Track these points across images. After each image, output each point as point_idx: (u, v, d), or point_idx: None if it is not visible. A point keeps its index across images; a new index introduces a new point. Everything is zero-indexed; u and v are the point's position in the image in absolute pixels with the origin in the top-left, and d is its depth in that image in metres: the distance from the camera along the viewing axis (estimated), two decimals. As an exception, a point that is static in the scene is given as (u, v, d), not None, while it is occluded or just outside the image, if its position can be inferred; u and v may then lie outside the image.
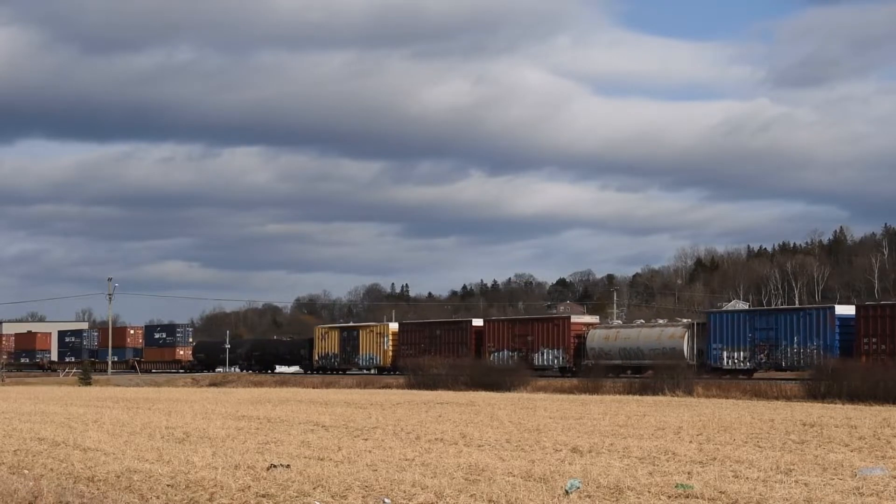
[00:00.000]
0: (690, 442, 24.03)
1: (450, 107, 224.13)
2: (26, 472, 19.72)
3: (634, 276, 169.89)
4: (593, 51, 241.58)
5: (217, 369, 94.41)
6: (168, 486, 17.27)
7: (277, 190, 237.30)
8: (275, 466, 19.07)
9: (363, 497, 15.74)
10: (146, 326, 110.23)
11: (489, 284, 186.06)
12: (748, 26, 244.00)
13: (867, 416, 32.36)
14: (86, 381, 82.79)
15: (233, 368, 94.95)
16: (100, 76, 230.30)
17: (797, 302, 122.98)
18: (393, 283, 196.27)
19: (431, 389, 57.43)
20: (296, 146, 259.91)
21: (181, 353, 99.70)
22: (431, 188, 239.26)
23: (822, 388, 43.93)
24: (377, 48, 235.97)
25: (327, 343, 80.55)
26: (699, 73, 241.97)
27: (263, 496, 16.02)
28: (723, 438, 24.87)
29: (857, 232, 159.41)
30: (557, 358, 64.16)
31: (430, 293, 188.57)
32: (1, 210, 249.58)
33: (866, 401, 40.54)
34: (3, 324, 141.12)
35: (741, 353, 56.03)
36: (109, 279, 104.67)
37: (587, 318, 69.46)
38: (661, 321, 67.54)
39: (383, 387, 63.66)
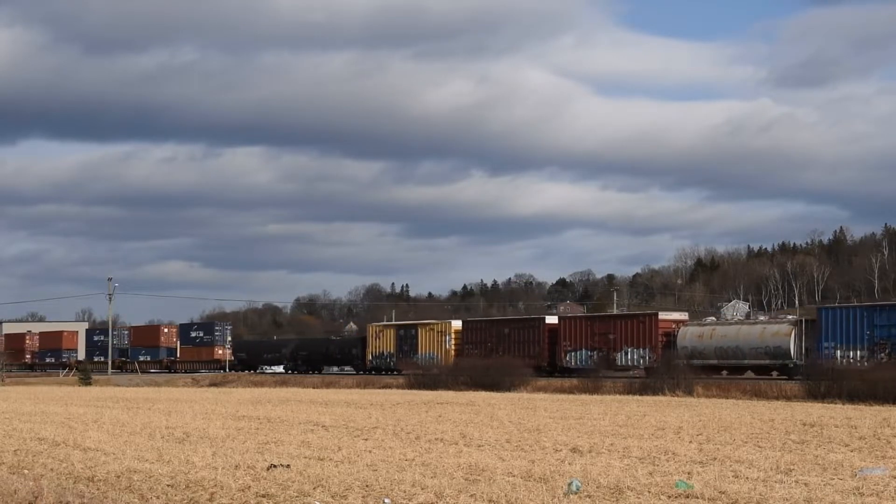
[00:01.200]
0: (690, 442, 24.03)
1: (451, 107, 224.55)
2: (26, 472, 19.72)
3: (634, 276, 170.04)
4: (595, 51, 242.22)
5: (260, 370, 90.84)
6: (168, 486, 17.27)
7: (278, 190, 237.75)
8: (275, 466, 19.07)
9: (363, 497, 15.74)
10: (181, 325, 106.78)
11: (489, 284, 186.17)
12: (750, 26, 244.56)
13: (867, 416, 32.36)
14: (86, 381, 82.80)
15: (276, 369, 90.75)
16: (102, 76, 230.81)
17: (797, 302, 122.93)
18: (393, 283, 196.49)
19: (431, 389, 57.43)
20: (297, 146, 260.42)
21: (220, 352, 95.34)
22: (432, 188, 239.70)
23: (822, 388, 43.92)
24: (379, 48, 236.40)
25: (382, 342, 76.83)
26: (701, 73, 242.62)
27: (263, 496, 16.01)
28: (723, 438, 24.87)
29: (857, 232, 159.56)
30: (643, 357, 59.97)
31: (430, 293, 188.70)
32: (2, 210, 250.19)
33: (866, 401, 40.54)
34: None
35: (858, 351, 51.46)
36: (109, 279, 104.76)
37: (676, 315, 65.10)
38: (762, 317, 64.14)
39: (383, 387, 63.66)
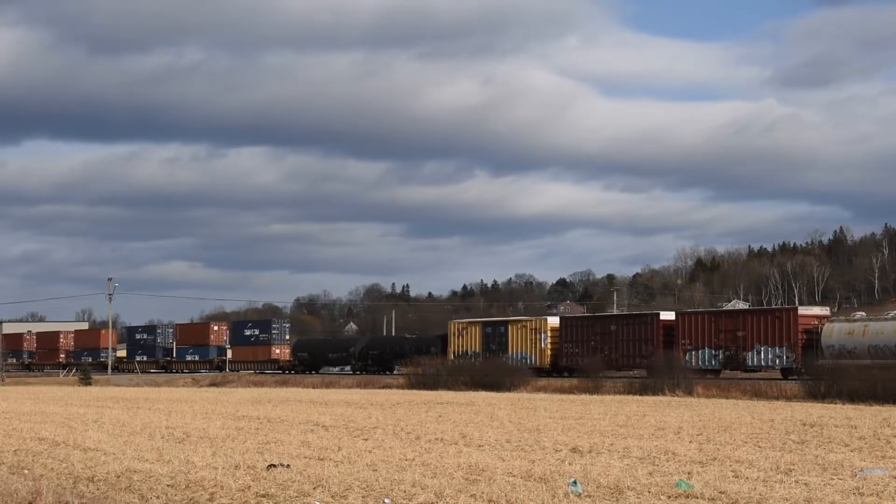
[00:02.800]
0: (690, 442, 24.03)
1: (456, 107, 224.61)
2: (26, 472, 19.72)
3: (634, 276, 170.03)
4: (600, 52, 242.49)
5: (323, 370, 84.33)
6: (168, 486, 17.27)
7: (282, 190, 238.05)
8: (275, 466, 19.08)
9: (363, 497, 15.74)
10: (233, 322, 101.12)
11: (489, 285, 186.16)
12: (756, 27, 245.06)
13: (867, 416, 32.35)
14: (86, 381, 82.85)
15: (341, 370, 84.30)
16: (106, 77, 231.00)
17: (797, 302, 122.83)
18: (393, 284, 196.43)
19: (431, 389, 57.42)
20: (302, 146, 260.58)
21: (277, 351, 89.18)
22: (436, 188, 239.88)
23: (822, 388, 43.91)
24: (385, 49, 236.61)
25: (466, 340, 70.67)
26: (706, 73, 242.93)
27: (263, 496, 16.01)
28: (723, 438, 24.87)
29: (858, 232, 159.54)
30: (780, 357, 54.47)
31: (430, 293, 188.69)
32: (5, 210, 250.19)
33: (866, 401, 40.53)
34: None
35: None
36: (109, 279, 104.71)
37: (817, 311, 59.09)
38: None
39: (383, 387, 63.66)
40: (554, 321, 66.77)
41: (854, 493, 15.52)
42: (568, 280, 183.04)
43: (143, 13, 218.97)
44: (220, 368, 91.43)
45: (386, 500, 15.39)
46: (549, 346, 65.00)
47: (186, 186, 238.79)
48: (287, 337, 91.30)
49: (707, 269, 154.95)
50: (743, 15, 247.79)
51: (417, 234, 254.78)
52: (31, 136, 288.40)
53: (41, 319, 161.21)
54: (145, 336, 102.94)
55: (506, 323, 69.76)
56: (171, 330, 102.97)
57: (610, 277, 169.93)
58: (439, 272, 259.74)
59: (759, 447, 22.66)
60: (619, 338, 61.30)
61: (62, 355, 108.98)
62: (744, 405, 39.73)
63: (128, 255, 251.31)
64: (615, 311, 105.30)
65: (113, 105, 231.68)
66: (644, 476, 17.43)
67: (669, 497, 15.36)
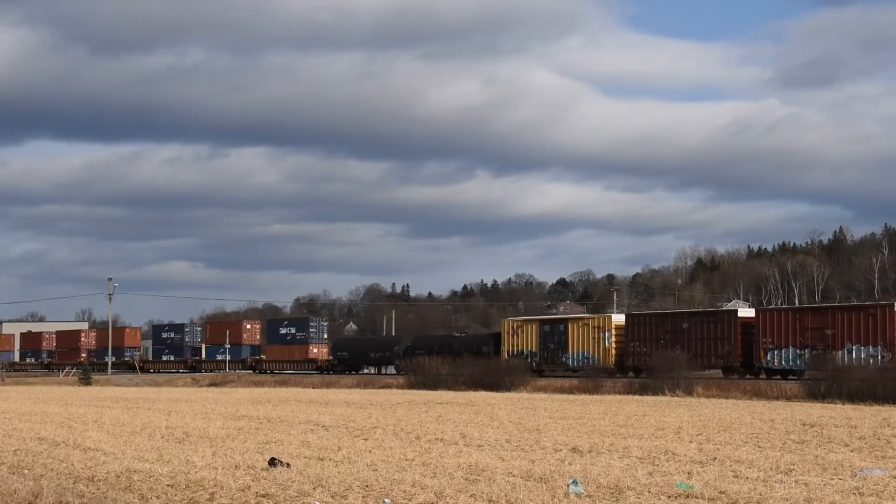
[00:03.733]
0: (690, 442, 24.03)
1: (458, 107, 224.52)
2: (26, 472, 19.72)
3: (634, 276, 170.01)
4: (602, 52, 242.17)
5: (364, 371, 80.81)
6: (168, 486, 17.27)
7: (283, 190, 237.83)
8: (274, 462, 19.08)
9: (363, 497, 15.74)
10: (268, 321, 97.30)
11: (489, 285, 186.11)
12: (759, 27, 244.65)
13: (867, 416, 32.36)
14: (86, 381, 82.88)
15: (383, 370, 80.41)
16: (108, 77, 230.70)
17: (797, 302, 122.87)
18: (393, 283, 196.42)
19: (431, 389, 57.44)
20: (303, 146, 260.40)
21: (315, 350, 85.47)
22: (437, 188, 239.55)
23: (822, 388, 43.93)
24: (387, 49, 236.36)
25: (521, 338, 67.17)
26: (708, 74, 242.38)
27: (263, 496, 16.01)
28: (723, 438, 24.87)
29: (858, 232, 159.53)
30: (875, 357, 50.74)
31: (430, 293, 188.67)
32: (6, 210, 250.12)
33: (866, 401, 40.55)
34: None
35: None
36: (109, 279, 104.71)
37: None
38: None
39: (383, 387, 63.67)
40: (619, 318, 63.78)
41: (854, 493, 15.52)
42: (568, 280, 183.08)
43: (145, 13, 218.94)
44: (254, 368, 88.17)
45: (386, 500, 15.39)
46: (613, 344, 61.70)
47: (187, 186, 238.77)
48: (325, 336, 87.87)
49: (707, 269, 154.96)
50: (745, 15, 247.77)
51: (418, 235, 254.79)
52: (32, 136, 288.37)
53: (41, 319, 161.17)
54: (172, 335, 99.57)
55: (566, 321, 66.73)
56: (199, 328, 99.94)
57: (610, 277, 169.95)
58: (440, 272, 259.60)
59: (759, 447, 22.67)
60: (692, 336, 58.08)
61: (83, 355, 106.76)
62: (744, 405, 39.74)
63: (128, 256, 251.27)
64: (686, 308, 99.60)
65: (114, 105, 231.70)
66: (644, 476, 17.44)
67: (669, 497, 15.36)
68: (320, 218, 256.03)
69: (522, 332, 67.32)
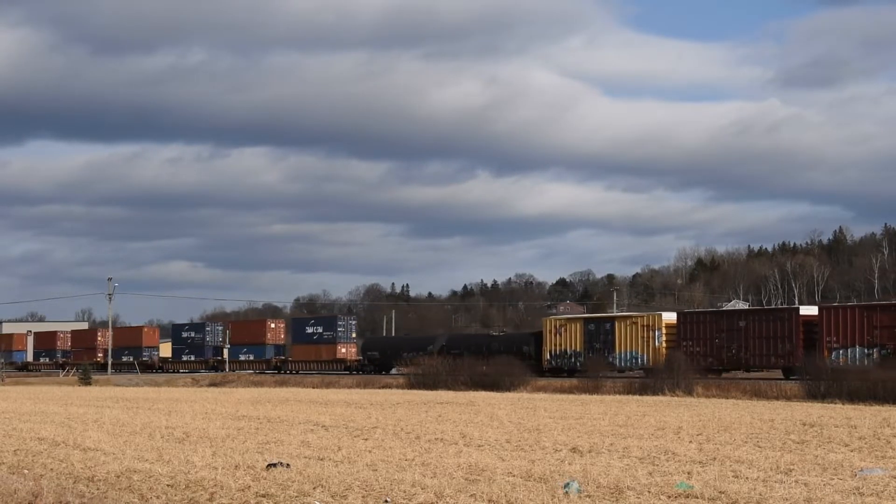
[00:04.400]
0: (690, 442, 24.03)
1: (459, 107, 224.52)
2: (26, 472, 19.72)
3: (634, 276, 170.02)
4: (604, 52, 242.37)
5: (396, 371, 76.44)
6: (168, 486, 17.28)
7: (284, 190, 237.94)
8: (274, 465, 19.07)
9: (363, 497, 15.74)
10: (294, 320, 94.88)
11: (489, 285, 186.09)
12: (760, 27, 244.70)
13: (867, 416, 32.36)
14: (86, 381, 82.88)
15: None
16: (109, 77, 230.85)
17: (797, 302, 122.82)
18: (393, 283, 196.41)
19: (431, 389, 57.43)
20: (304, 146, 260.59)
21: (343, 350, 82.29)
22: (438, 188, 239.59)
23: (822, 388, 43.92)
24: (389, 49, 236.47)
25: (564, 338, 64.32)
26: (710, 74, 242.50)
27: (263, 496, 16.02)
28: (723, 438, 24.88)
29: (858, 232, 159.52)
30: None
31: (430, 293, 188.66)
32: (7, 210, 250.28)
33: (866, 401, 40.55)
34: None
35: None
36: (109, 279, 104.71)
37: None
38: None
39: (383, 387, 63.66)
40: (670, 317, 61.26)
41: (854, 493, 15.52)
42: (568, 280, 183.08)
43: (147, 14, 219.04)
44: (279, 369, 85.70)
45: (387, 500, 15.39)
46: (664, 344, 59.25)
47: (189, 186, 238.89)
48: (353, 335, 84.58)
49: (707, 269, 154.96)
50: (746, 15, 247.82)
51: (419, 235, 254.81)
52: (33, 137, 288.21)
53: (41, 319, 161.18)
54: (192, 334, 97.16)
55: (612, 319, 64.14)
56: (220, 327, 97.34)
57: (610, 277, 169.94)
58: (440, 272, 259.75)
59: (759, 447, 22.67)
60: (749, 335, 55.69)
61: (100, 354, 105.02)
62: (744, 405, 39.74)
63: (129, 256, 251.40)
64: (746, 307, 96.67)
65: (116, 105, 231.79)
66: (644, 476, 17.44)
67: (669, 497, 15.36)
68: (321, 218, 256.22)
69: (566, 331, 64.68)
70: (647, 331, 60.36)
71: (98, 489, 17.26)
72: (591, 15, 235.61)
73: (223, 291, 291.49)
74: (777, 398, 44.56)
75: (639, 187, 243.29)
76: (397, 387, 62.39)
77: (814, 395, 43.66)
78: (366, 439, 25.51)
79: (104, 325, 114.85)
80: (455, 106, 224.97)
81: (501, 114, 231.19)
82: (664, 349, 58.53)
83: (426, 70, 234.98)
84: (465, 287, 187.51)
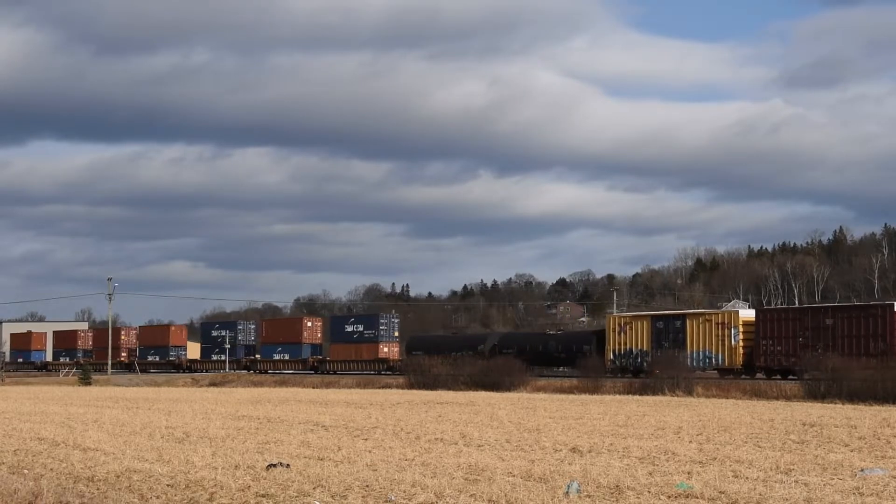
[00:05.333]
0: (690, 442, 24.03)
1: (463, 108, 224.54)
2: (26, 472, 19.72)
3: (634, 276, 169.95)
4: (608, 53, 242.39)
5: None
6: (168, 485, 17.27)
7: (286, 190, 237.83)
8: (274, 466, 19.07)
9: (363, 497, 15.74)
10: (332, 318, 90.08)
11: (489, 285, 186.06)
12: (764, 27, 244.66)
13: (867, 416, 32.37)
14: (85, 381, 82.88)
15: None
16: (113, 77, 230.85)
17: (797, 302, 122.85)
18: (393, 283, 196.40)
19: (431, 389, 57.42)
20: (307, 147, 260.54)
21: (385, 350, 78.50)
22: (440, 189, 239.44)
23: (822, 388, 43.94)
24: (393, 49, 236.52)
25: (630, 336, 61.23)
26: (713, 74, 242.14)
27: (263, 496, 16.01)
28: (723, 438, 24.87)
29: (858, 232, 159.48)
30: None
31: (430, 293, 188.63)
32: (10, 210, 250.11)
33: (866, 401, 40.56)
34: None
35: None
36: (109, 279, 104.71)
37: None
38: None
39: (383, 387, 63.65)
40: (748, 314, 58.10)
41: (854, 493, 15.52)
42: (568, 280, 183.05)
43: (151, 14, 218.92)
44: (315, 369, 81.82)
45: (391, 496, 15.40)
46: (741, 342, 56.02)
47: (191, 187, 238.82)
48: (396, 333, 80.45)
49: (707, 269, 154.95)
50: (750, 16, 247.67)
51: (420, 235, 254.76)
52: (36, 137, 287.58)
53: (41, 319, 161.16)
54: (223, 333, 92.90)
55: (683, 316, 60.73)
56: (253, 326, 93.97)
57: (610, 277, 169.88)
58: (441, 272, 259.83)
59: (759, 447, 22.67)
60: (836, 333, 52.55)
61: (123, 354, 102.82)
62: (744, 405, 39.74)
63: (131, 256, 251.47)
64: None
65: (119, 105, 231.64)
66: (644, 476, 17.44)
67: (669, 497, 15.36)
68: (323, 218, 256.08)
69: (631, 329, 61.69)
70: (723, 328, 57.30)
71: (98, 489, 17.26)
72: (594, 15, 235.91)
73: (224, 291, 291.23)
74: (777, 398, 44.58)
75: (641, 187, 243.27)
76: (397, 387, 62.38)
77: (814, 395, 43.68)
78: (366, 439, 25.51)
79: (104, 324, 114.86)
80: (458, 106, 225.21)
81: (504, 114, 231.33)
82: (741, 348, 55.80)
83: (430, 70, 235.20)
84: (465, 287, 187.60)
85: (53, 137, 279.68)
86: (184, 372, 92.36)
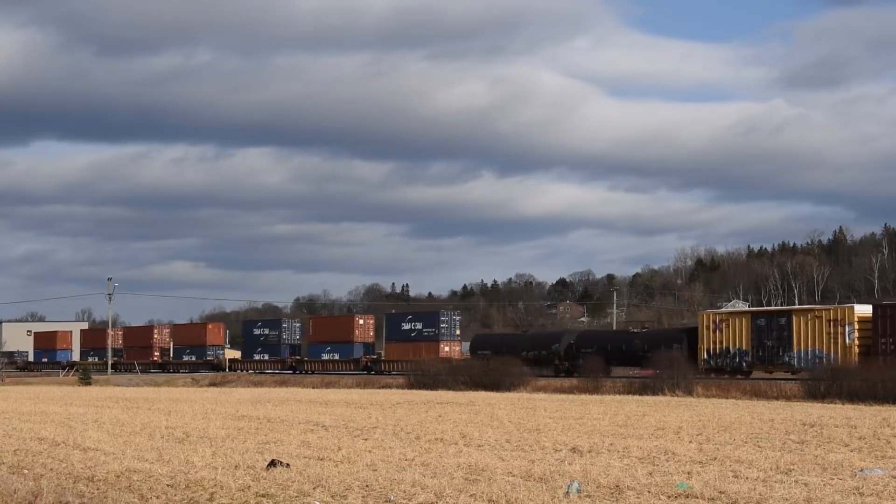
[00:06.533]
0: (690, 442, 24.03)
1: (465, 108, 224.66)
2: (26, 471, 19.72)
3: (634, 276, 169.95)
4: (610, 53, 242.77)
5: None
6: (168, 486, 17.27)
7: (288, 190, 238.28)
8: (274, 464, 19.07)
9: (363, 497, 15.74)
10: (388, 315, 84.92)
11: (489, 284, 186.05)
12: (767, 27, 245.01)
13: (867, 416, 32.37)
14: (86, 381, 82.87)
15: (538, 371, 65.11)
16: (115, 77, 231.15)
17: (797, 302, 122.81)
18: (393, 283, 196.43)
19: (431, 389, 57.42)
20: (309, 147, 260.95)
21: (447, 349, 74.01)
22: (441, 189, 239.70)
23: (822, 388, 43.93)
24: (395, 50, 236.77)
25: (726, 334, 57.33)
26: (716, 74, 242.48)
27: (263, 496, 16.01)
28: (723, 438, 24.87)
29: (858, 232, 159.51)
30: None
31: (430, 293, 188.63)
32: (11, 210, 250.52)
33: (866, 401, 40.56)
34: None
35: None
36: (109, 279, 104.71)
37: None
38: None
39: (383, 387, 63.64)
40: (864, 309, 53.95)
41: (854, 493, 15.52)
42: (567, 280, 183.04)
43: (153, 14, 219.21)
44: (369, 369, 77.72)
45: (391, 496, 15.40)
46: (856, 341, 52.32)
47: (192, 187, 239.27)
48: (457, 332, 76.09)
49: (707, 269, 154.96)
50: (752, 16, 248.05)
51: (422, 235, 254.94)
52: (38, 137, 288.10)
53: (41, 319, 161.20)
54: (266, 331, 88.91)
55: (788, 313, 56.51)
56: (298, 324, 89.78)
57: (610, 277, 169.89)
58: (442, 272, 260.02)
59: (759, 447, 22.67)
60: None
61: (156, 353, 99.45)
62: (744, 405, 39.74)
63: (132, 256, 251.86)
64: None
65: (121, 106, 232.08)
66: (644, 476, 17.44)
67: (669, 497, 15.36)
68: (324, 218, 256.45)
69: (727, 326, 57.60)
70: (835, 326, 53.34)
71: (98, 489, 17.26)
72: (596, 16, 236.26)
73: (225, 291, 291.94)
74: (777, 398, 44.57)
75: (642, 187, 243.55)
76: (397, 387, 62.38)
77: (814, 395, 43.67)
78: (366, 439, 25.51)
79: (104, 324, 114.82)
80: (460, 106, 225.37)
81: (506, 114, 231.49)
82: (856, 347, 51.93)
83: (432, 71, 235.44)
84: (464, 287, 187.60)
85: (55, 137, 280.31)
86: (221, 372, 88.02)
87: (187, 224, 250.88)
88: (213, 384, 76.88)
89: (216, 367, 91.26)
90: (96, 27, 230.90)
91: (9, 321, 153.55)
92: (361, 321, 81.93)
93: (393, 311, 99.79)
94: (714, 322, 58.49)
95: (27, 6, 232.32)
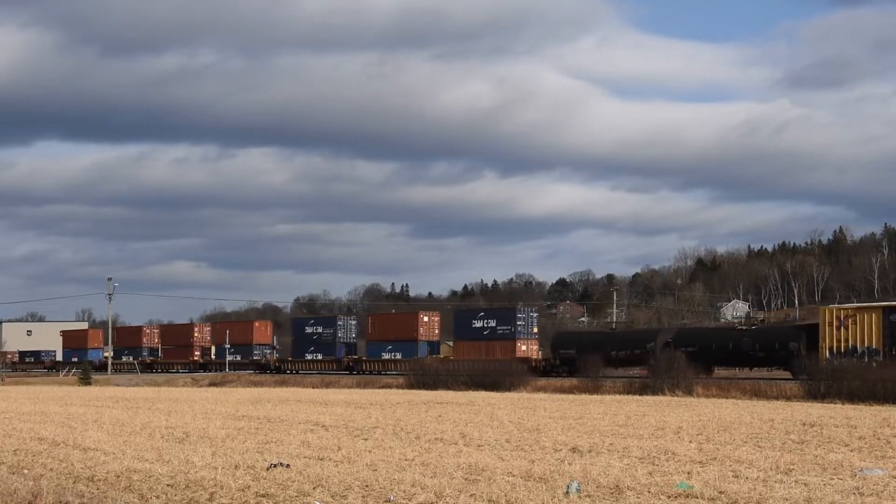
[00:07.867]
0: (690, 442, 24.03)
1: (469, 108, 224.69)
2: (26, 471, 19.72)
3: (634, 276, 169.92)
4: (614, 53, 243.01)
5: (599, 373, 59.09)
6: (168, 485, 17.27)
7: (290, 191, 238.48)
8: (275, 466, 19.07)
9: (363, 497, 15.74)
10: (457, 312, 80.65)
11: (489, 284, 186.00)
12: (772, 28, 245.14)
13: (867, 416, 32.36)
14: (85, 380, 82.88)
15: (627, 371, 63.72)
16: (118, 77, 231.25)
17: (796, 302, 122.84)
18: (393, 283, 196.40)
19: (431, 389, 57.40)
20: (311, 147, 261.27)
21: (523, 348, 68.88)
22: (443, 189, 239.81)
23: (822, 388, 43.92)
24: (399, 50, 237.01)
25: (852, 332, 52.12)
26: (720, 75, 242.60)
27: (263, 496, 16.01)
28: (723, 438, 24.87)
29: (858, 232, 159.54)
30: None
31: (430, 293, 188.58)
32: (14, 210, 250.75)
33: (866, 401, 40.55)
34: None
35: None
36: (109, 279, 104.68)
37: None
38: None
39: (383, 387, 63.62)
40: None
41: (854, 493, 15.52)
42: (567, 280, 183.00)
43: (156, 14, 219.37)
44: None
45: (391, 496, 15.40)
46: None
47: (195, 187, 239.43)
48: (534, 329, 71.06)
49: (707, 269, 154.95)
50: (756, 17, 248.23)
51: (423, 235, 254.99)
52: (41, 137, 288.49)
53: (41, 319, 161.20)
54: (319, 329, 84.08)
55: None
56: (353, 322, 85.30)
57: (610, 277, 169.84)
58: (443, 272, 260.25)
59: (759, 447, 22.66)
60: None
61: (196, 353, 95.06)
62: (744, 405, 39.74)
63: (133, 256, 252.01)
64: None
65: (123, 106, 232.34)
66: (644, 476, 17.43)
67: (669, 497, 15.35)
68: (326, 218, 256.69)
69: (853, 323, 52.36)
70: None
71: (98, 489, 17.26)
72: (600, 16, 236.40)
73: (226, 291, 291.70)
74: (777, 398, 44.57)
75: (644, 188, 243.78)
76: (397, 387, 62.37)
77: (814, 395, 43.66)
78: (366, 439, 25.51)
79: (104, 324, 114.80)
80: (464, 107, 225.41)
81: (510, 115, 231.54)
82: None
83: (436, 71, 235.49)
84: (465, 287, 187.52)
85: (57, 137, 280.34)
86: (270, 373, 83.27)
87: (189, 224, 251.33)
88: (213, 384, 76.87)
89: (264, 367, 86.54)
90: (99, 27, 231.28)
91: (9, 321, 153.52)
92: (426, 318, 77.52)
93: (393, 311, 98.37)
94: (838, 318, 53.08)
95: (30, 6, 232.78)
